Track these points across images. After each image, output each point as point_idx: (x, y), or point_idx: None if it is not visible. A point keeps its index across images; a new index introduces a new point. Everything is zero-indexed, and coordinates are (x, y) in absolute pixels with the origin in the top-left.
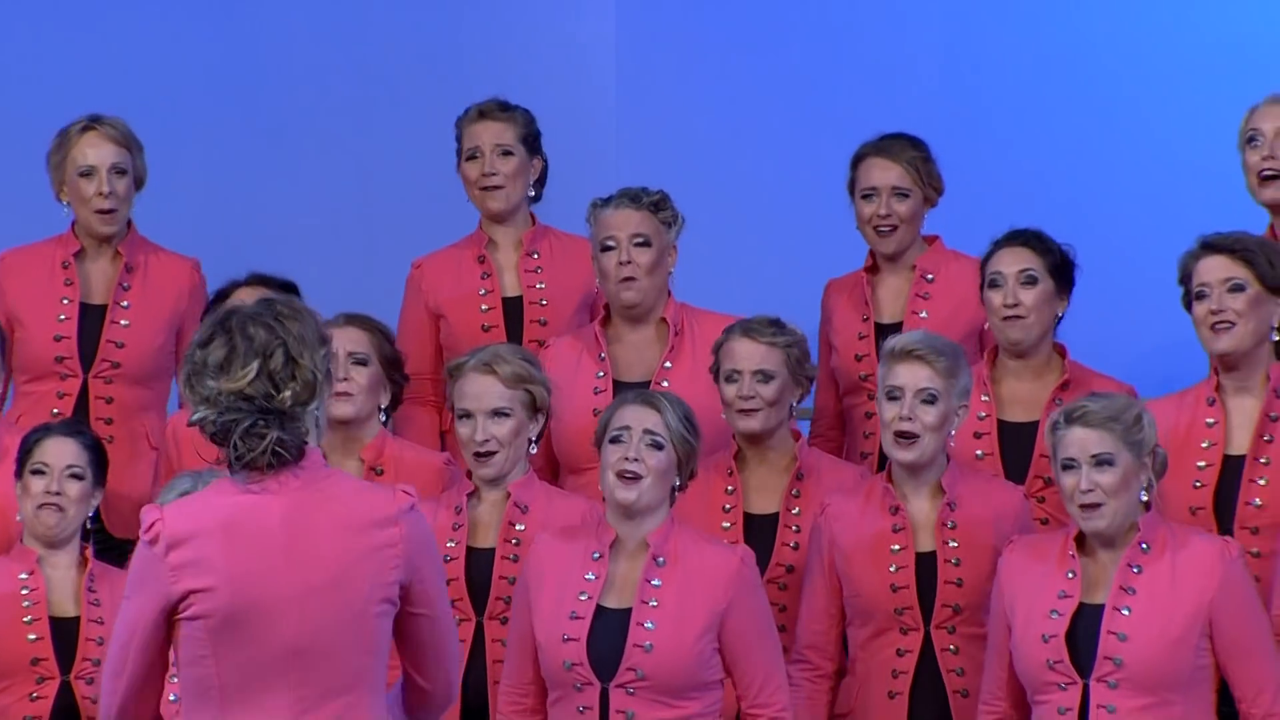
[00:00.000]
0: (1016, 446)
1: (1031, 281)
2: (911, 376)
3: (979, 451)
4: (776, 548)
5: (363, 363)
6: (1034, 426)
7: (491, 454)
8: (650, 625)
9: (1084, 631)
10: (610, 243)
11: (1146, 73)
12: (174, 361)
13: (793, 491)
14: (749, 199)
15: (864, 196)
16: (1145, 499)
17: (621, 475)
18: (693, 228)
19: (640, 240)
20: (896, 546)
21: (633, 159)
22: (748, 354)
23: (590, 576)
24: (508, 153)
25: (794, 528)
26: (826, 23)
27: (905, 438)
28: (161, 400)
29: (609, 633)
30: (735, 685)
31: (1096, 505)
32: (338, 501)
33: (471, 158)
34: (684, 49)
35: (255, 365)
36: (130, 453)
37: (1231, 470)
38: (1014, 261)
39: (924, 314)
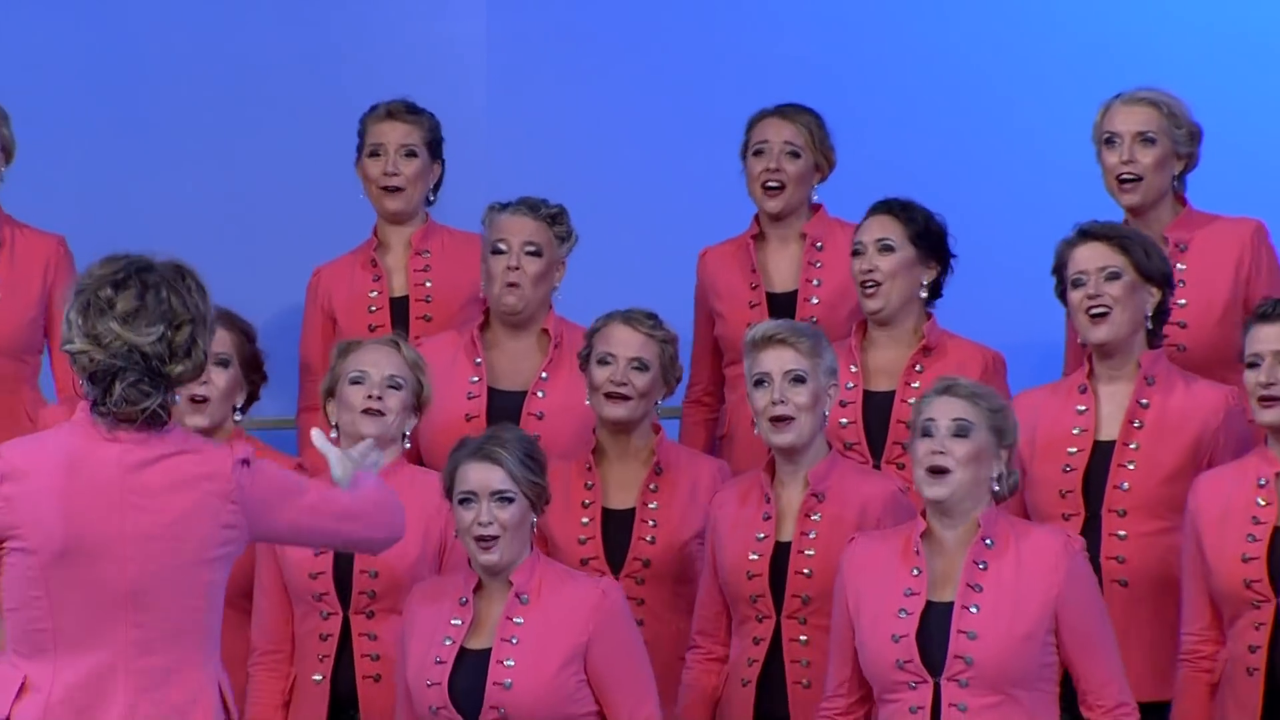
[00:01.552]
0: (879, 414)
1: (888, 249)
2: (777, 361)
3: (843, 420)
4: (633, 542)
5: (224, 364)
6: (893, 395)
7: (381, 415)
8: (510, 663)
9: (933, 630)
10: (502, 246)
11: (1023, 62)
12: (44, 336)
13: (650, 486)
14: (621, 201)
15: (755, 153)
16: (996, 490)
17: (480, 540)
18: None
19: (532, 249)
20: (761, 535)
21: (504, 159)
22: (625, 340)
23: (456, 621)
24: (412, 154)
25: (650, 522)
26: (700, 19)
27: (780, 421)
28: (34, 374)
29: (471, 673)
30: (607, 712)
31: (945, 471)
32: (177, 455)
33: (374, 155)
34: (556, 48)
35: (160, 329)
36: (7, 427)
37: (1101, 455)
38: (873, 230)
39: (817, 282)
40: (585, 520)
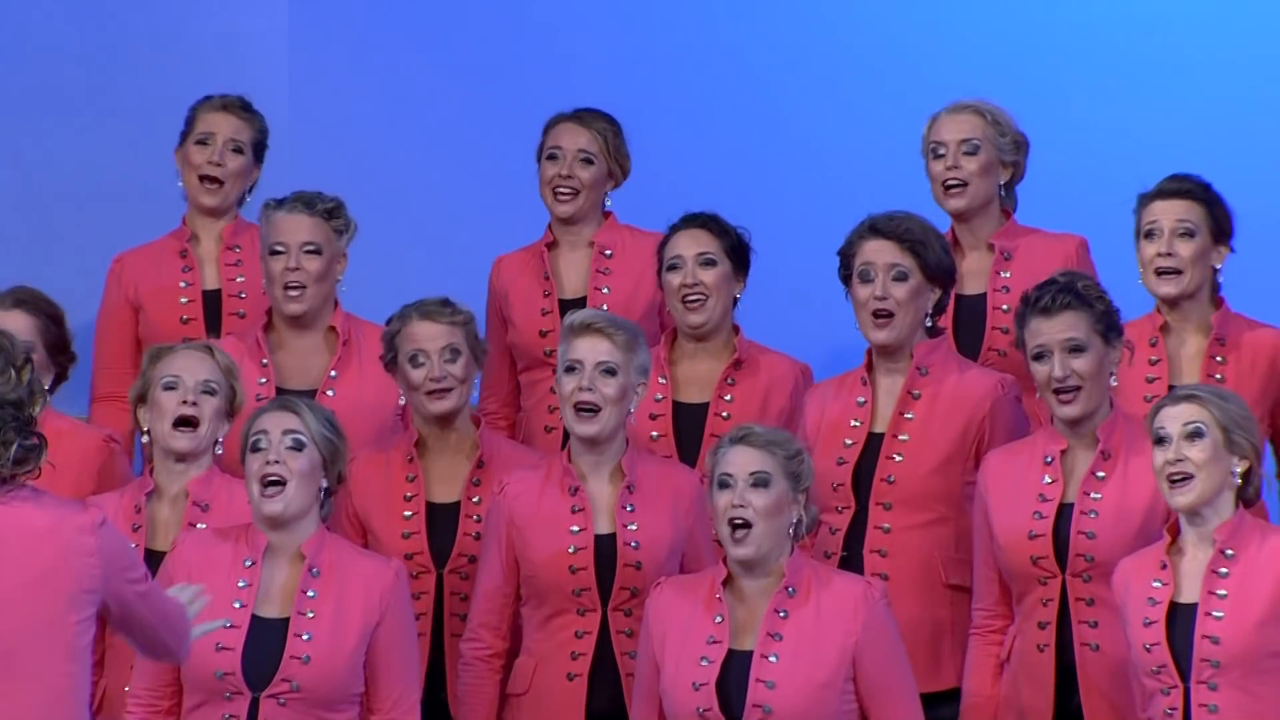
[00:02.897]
0: (691, 427)
1: (710, 264)
2: (591, 349)
3: (654, 433)
4: (459, 537)
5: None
6: (705, 407)
7: (195, 424)
8: (307, 636)
9: (733, 678)
10: (279, 247)
11: (831, 71)
12: None
13: (474, 480)
14: (422, 197)
15: (549, 157)
16: (793, 536)
17: (264, 481)
18: (364, 227)
19: (311, 248)
20: (575, 528)
21: (305, 156)
22: (431, 335)
23: (242, 584)
24: (238, 150)
25: (475, 517)
26: (503, 19)
27: (586, 410)
28: None
29: (265, 642)
30: (370, 697)
31: (747, 526)
32: (33, 514)
33: (201, 143)
34: (357, 45)
35: (10, 374)
36: None
37: (873, 447)
38: (693, 244)
39: (606, 289)
40: (408, 514)
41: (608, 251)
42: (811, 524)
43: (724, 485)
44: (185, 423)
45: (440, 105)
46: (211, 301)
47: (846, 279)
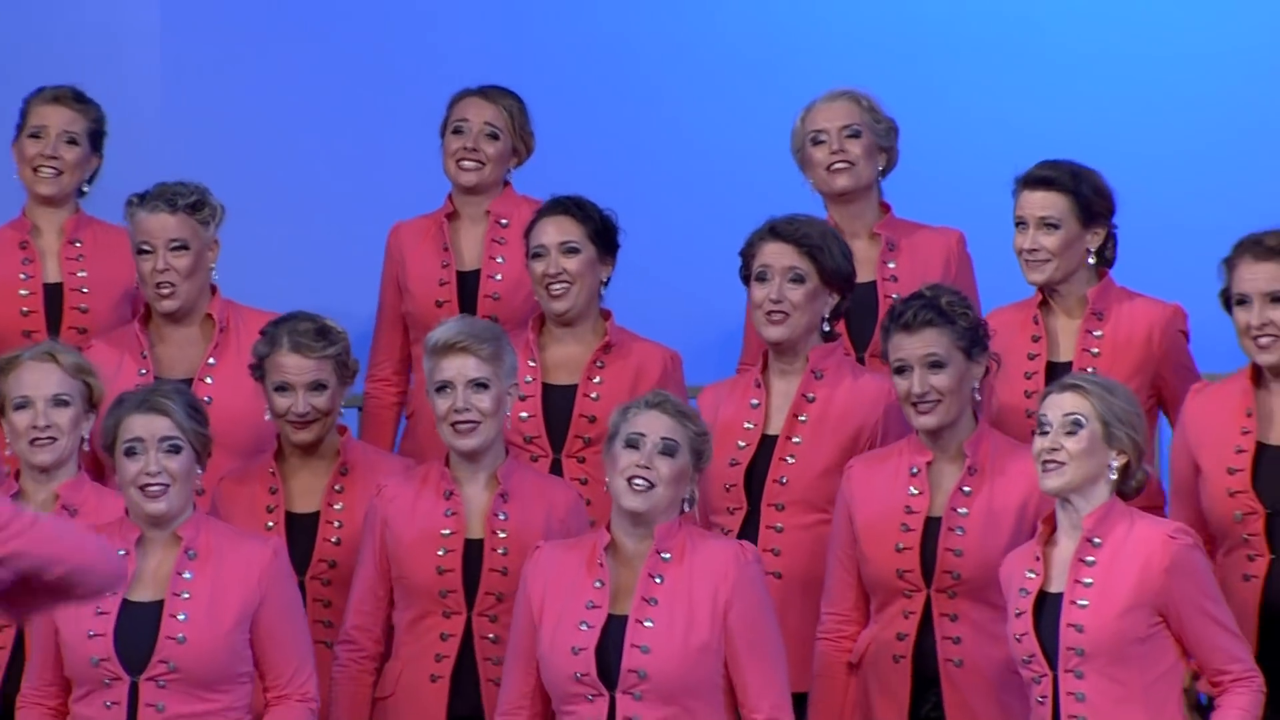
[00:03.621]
0: (559, 409)
1: (573, 251)
2: (459, 369)
3: (523, 414)
4: (318, 544)
5: None
6: (574, 389)
7: (53, 440)
8: (183, 617)
9: (611, 643)
10: (146, 247)
11: (705, 61)
12: None
13: (335, 487)
14: (297, 188)
15: (455, 131)
16: (686, 510)
17: (145, 490)
18: (236, 219)
19: (177, 244)
20: (447, 530)
21: (177, 148)
22: (299, 369)
23: None
24: (73, 141)
25: (335, 523)
26: (373, 8)
27: (464, 425)
28: None
29: (139, 626)
30: (264, 676)
31: (651, 486)
32: None
33: (34, 136)
34: (230, 39)
35: None
36: None
37: (766, 449)
38: (556, 232)
39: (501, 259)
40: (270, 525)
41: (503, 221)
42: (692, 502)
43: (631, 445)
44: (43, 438)
45: (313, 92)
46: (53, 295)
47: (746, 279)
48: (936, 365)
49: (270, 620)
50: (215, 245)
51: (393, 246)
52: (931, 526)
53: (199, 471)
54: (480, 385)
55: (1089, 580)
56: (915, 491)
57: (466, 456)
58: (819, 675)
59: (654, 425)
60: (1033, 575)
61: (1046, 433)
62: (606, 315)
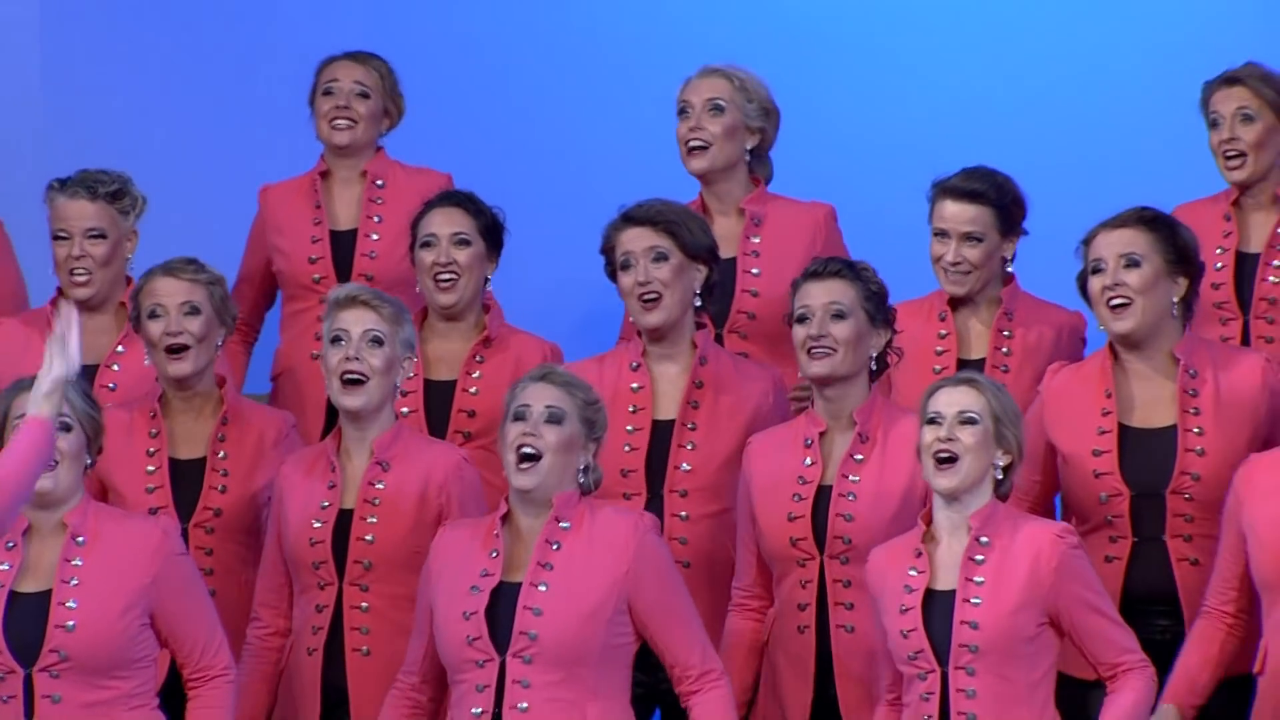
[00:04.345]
0: (440, 404)
1: (464, 243)
2: (357, 320)
3: (405, 409)
4: (204, 491)
5: None
6: (454, 384)
7: None
8: (72, 604)
9: (503, 607)
10: (62, 234)
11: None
12: None
13: (219, 436)
14: (182, 176)
15: (325, 92)
16: (582, 481)
17: None
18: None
19: (95, 233)
20: (324, 503)
21: (59, 135)
22: (171, 291)
23: (4, 566)
24: None
25: (221, 471)
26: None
27: (352, 380)
28: None
29: (28, 617)
30: (176, 657)
31: (536, 458)
32: None
33: None
34: (110, 28)
35: None
36: None
37: (660, 435)
38: (447, 223)
39: (378, 218)
40: (151, 469)
41: (379, 182)
42: (596, 484)
43: (519, 417)
44: None
45: (192, 75)
46: None
47: (612, 273)
48: (839, 315)
49: (167, 600)
50: (134, 235)
51: (262, 208)
52: (824, 494)
53: (89, 461)
54: (375, 341)
55: (980, 578)
56: (809, 462)
57: (352, 418)
58: (726, 651)
59: (539, 395)
60: (917, 572)
61: (938, 425)
62: (486, 309)
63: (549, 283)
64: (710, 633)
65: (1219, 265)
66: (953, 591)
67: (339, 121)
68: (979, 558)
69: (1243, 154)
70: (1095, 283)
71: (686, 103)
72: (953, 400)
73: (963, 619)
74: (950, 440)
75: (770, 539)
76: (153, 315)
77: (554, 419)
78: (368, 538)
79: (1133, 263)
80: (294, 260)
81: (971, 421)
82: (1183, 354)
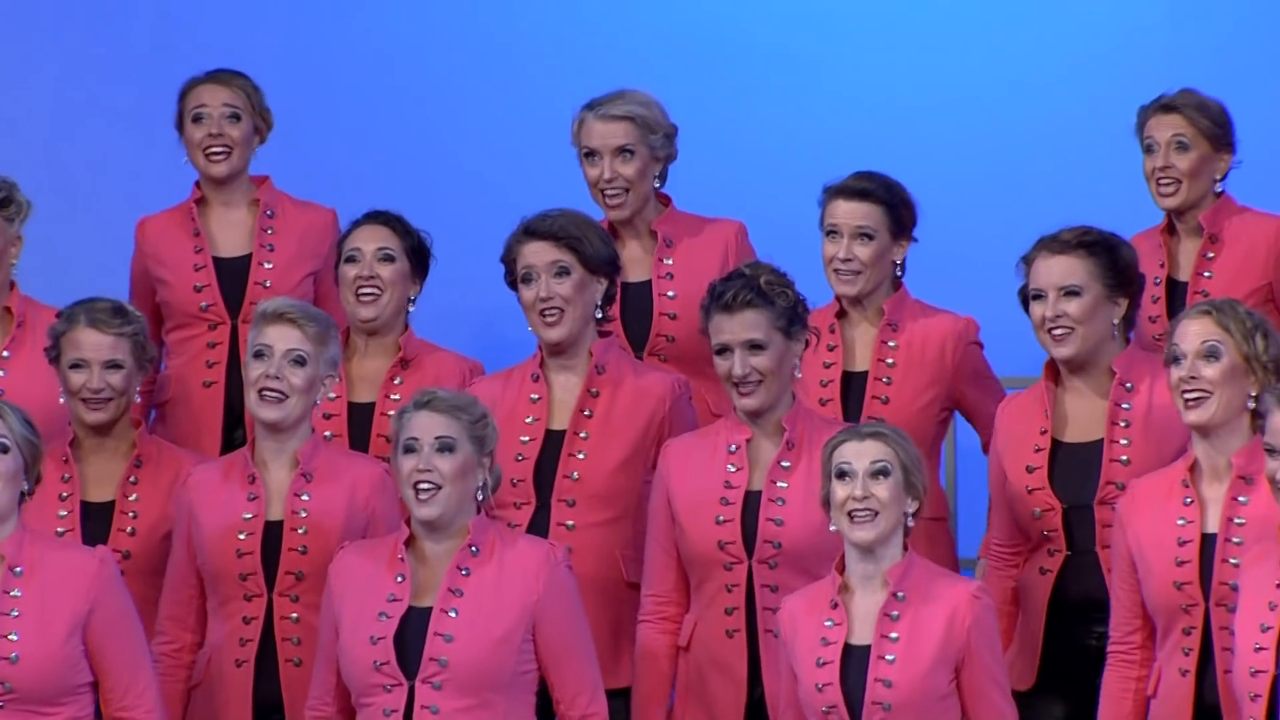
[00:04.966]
0: (361, 425)
1: (389, 259)
2: (282, 337)
3: (327, 433)
4: (113, 534)
5: None
6: (374, 406)
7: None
8: (14, 636)
9: (412, 633)
10: None
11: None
12: None
13: (130, 479)
14: (66, 180)
15: (194, 119)
16: (481, 499)
17: None
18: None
19: None
20: (248, 514)
21: None
22: (95, 344)
23: None
24: None
25: (131, 514)
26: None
27: (271, 395)
28: None
29: None
30: (103, 688)
31: (436, 488)
32: None
33: None
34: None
35: None
36: None
37: (553, 444)
38: (372, 238)
39: (270, 247)
40: (63, 513)
41: (270, 211)
42: (496, 484)
43: (409, 450)
44: None
45: (58, 87)
46: None
47: (512, 283)
48: (757, 348)
49: (101, 630)
50: (18, 241)
51: (140, 242)
52: (751, 500)
53: (26, 486)
54: (298, 360)
55: (895, 635)
56: (734, 468)
57: (269, 431)
58: (641, 658)
59: (427, 427)
60: (834, 624)
61: (851, 480)
62: (404, 329)
63: (470, 296)
64: (597, 640)
65: (1154, 297)
66: (868, 647)
67: (214, 153)
68: (894, 614)
69: (1177, 181)
70: (1036, 310)
71: (593, 150)
72: (863, 453)
73: (877, 676)
74: (867, 497)
75: (696, 543)
76: (75, 366)
77: (445, 448)
78: (300, 548)
79: (1072, 292)
80: (178, 290)
81: (884, 474)
82: (1120, 368)
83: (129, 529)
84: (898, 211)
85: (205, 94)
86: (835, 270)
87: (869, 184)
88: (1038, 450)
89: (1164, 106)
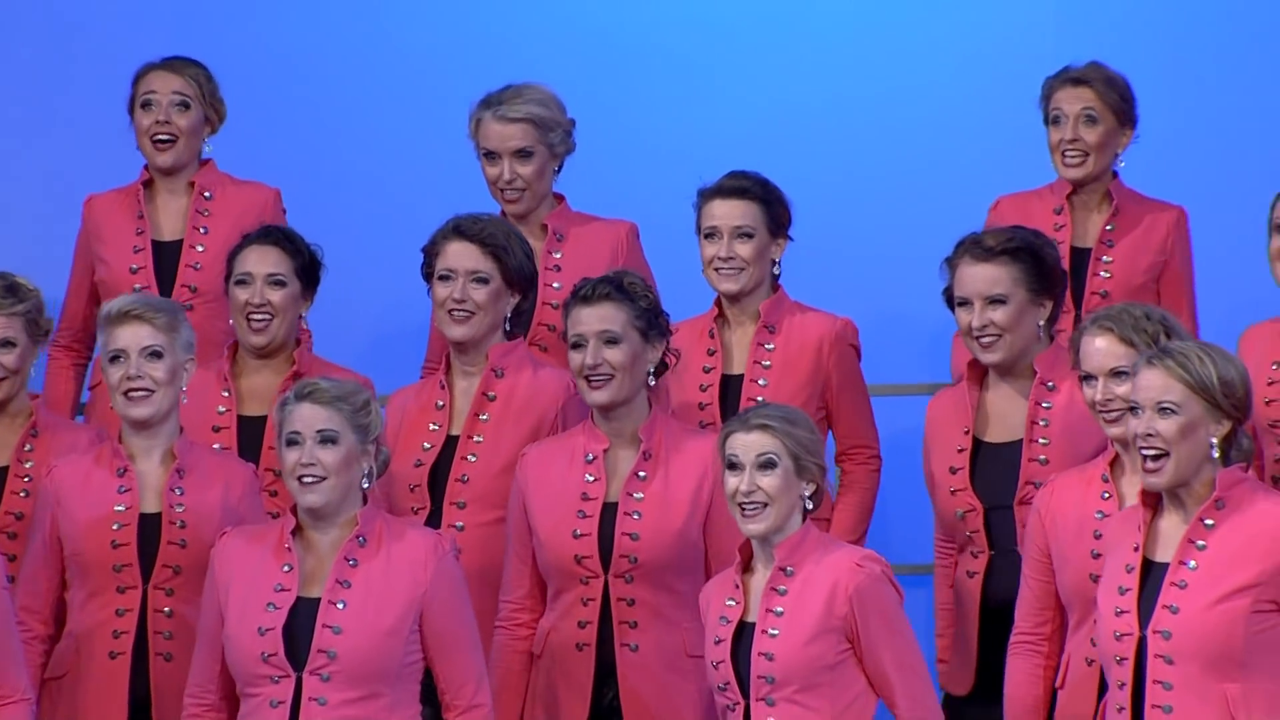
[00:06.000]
0: (252, 440)
1: (280, 284)
2: (134, 336)
3: (218, 445)
4: (5, 496)
5: None
6: (265, 420)
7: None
8: None
9: (300, 625)
10: None
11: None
12: None
13: (25, 447)
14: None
15: (143, 105)
16: (366, 486)
17: None
18: None
19: None
20: (121, 506)
21: None
22: None
23: None
24: None
25: (25, 478)
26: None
27: (137, 394)
28: None
29: None
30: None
31: (320, 480)
32: None
33: None
34: None
35: None
36: None
37: (450, 449)
38: (262, 262)
39: (204, 229)
40: None
41: (207, 194)
42: (383, 468)
43: (292, 443)
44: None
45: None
46: None
47: (428, 276)
48: (612, 341)
49: None
50: None
51: (86, 218)
52: (608, 512)
53: None
54: (154, 354)
55: (780, 609)
56: (591, 478)
57: (138, 426)
58: (496, 665)
59: (309, 419)
60: (733, 604)
61: (739, 471)
62: (298, 342)
63: (364, 301)
64: (484, 637)
65: None
66: (755, 623)
67: (160, 139)
68: (781, 588)
69: (1084, 153)
70: (962, 316)
71: (491, 151)
72: (749, 445)
73: (760, 650)
74: (753, 491)
75: (553, 555)
76: None
77: (328, 440)
78: (180, 542)
79: (997, 301)
80: (115, 270)
81: (770, 465)
82: (1041, 367)
83: (21, 492)
84: (774, 209)
85: (156, 80)
86: (716, 269)
87: (745, 183)
88: (960, 450)
89: (1073, 79)
